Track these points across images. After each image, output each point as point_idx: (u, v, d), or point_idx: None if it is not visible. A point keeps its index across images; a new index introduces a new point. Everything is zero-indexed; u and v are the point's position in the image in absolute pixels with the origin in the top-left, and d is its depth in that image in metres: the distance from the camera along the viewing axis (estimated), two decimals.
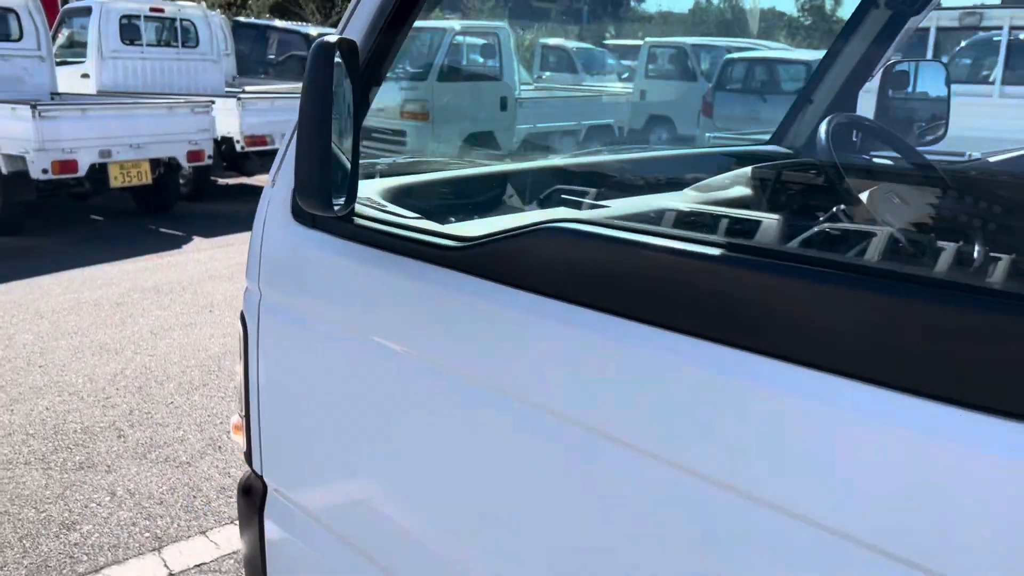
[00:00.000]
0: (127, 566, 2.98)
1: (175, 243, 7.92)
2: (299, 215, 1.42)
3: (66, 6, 11.96)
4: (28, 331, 5.32)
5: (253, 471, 1.66)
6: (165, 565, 2.99)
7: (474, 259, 1.14)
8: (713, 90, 12.86)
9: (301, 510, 1.57)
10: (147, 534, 3.17)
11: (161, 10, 11.09)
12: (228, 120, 9.24)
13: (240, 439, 1.69)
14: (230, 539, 3.13)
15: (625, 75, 17.12)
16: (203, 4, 11.88)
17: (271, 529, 1.62)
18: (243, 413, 1.65)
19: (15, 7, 8.78)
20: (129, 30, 10.67)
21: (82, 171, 7.67)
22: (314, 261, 1.42)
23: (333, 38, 1.15)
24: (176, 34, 11.16)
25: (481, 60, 12.31)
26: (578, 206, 1.45)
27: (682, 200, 1.73)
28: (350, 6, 1.33)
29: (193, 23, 11.17)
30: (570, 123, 12.05)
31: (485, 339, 1.14)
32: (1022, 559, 0.69)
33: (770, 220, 1.32)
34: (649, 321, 0.96)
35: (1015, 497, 0.69)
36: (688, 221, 1.40)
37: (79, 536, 3.14)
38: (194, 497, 3.44)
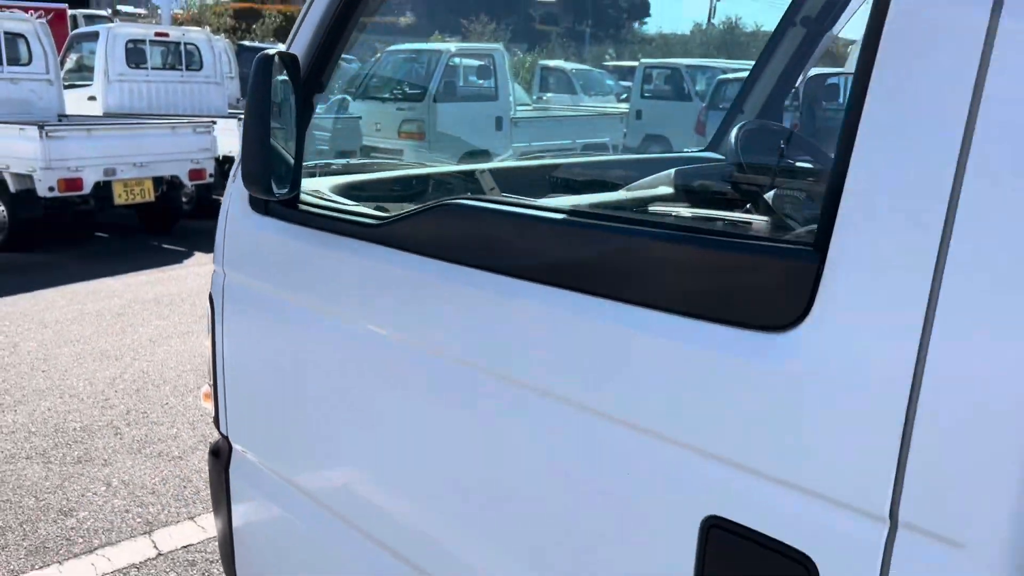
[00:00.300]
0: (119, 547, 3.19)
1: (176, 258, 8.18)
2: (255, 204, 1.65)
3: (74, 31, 12.34)
4: (32, 339, 5.57)
5: (221, 434, 1.89)
6: (155, 546, 3.21)
7: (389, 234, 1.37)
8: (707, 109, 13.12)
9: (260, 464, 1.79)
10: (139, 520, 3.39)
11: (166, 35, 11.45)
12: (229, 140, 9.53)
13: (210, 406, 1.92)
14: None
15: (623, 95, 17.42)
16: (207, 29, 12.24)
17: (235, 482, 1.84)
18: (211, 383, 1.88)
19: (25, 32, 9.11)
20: (135, 54, 11.01)
21: (87, 189, 7.95)
22: (266, 243, 1.65)
23: (272, 51, 1.39)
24: (181, 58, 11.50)
25: (478, 81, 12.61)
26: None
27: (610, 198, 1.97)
28: (295, 26, 1.58)
29: (197, 47, 11.51)
30: (564, 142, 12.32)
31: (399, 300, 1.37)
32: (763, 428, 0.91)
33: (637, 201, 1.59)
34: (521, 277, 1.19)
35: (738, 379, 0.92)
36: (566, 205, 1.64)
37: (75, 521, 3.36)
38: (184, 487, 3.66)
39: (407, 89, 12.15)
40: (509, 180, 1.88)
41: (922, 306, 0.78)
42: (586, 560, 1.12)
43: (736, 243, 0.98)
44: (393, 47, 12.95)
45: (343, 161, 1.98)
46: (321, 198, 1.60)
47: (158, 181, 8.59)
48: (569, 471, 1.13)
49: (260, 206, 1.64)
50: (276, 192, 1.44)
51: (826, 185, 0.88)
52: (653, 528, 1.03)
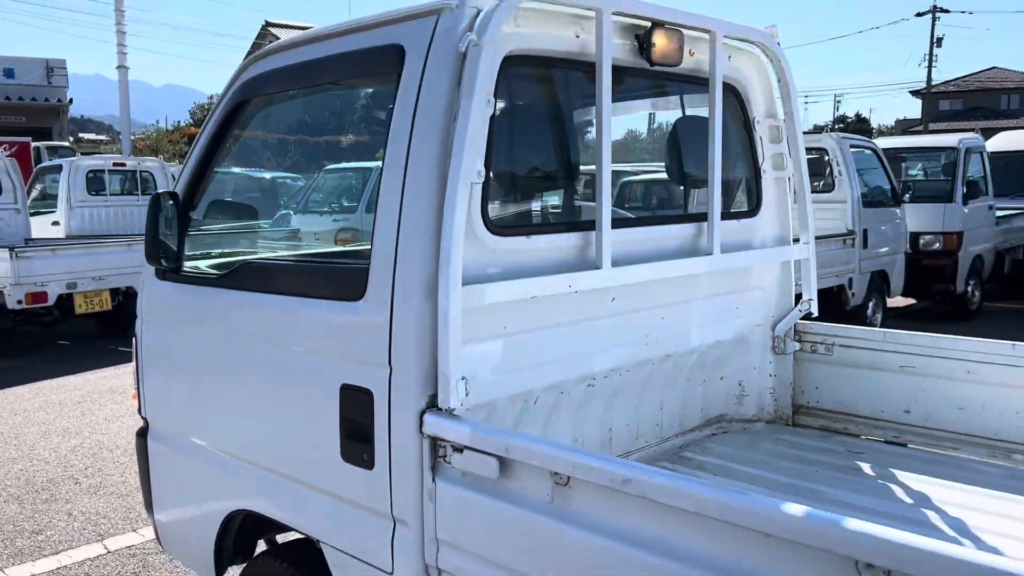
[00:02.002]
0: (78, 550, 4.27)
1: (131, 358, 9.26)
2: (158, 274, 2.90)
3: (39, 166, 13.67)
4: (4, 424, 6.62)
5: (142, 417, 3.08)
6: (106, 548, 4.29)
7: (218, 280, 2.64)
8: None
9: (162, 428, 2.98)
10: (93, 533, 4.47)
11: (123, 164, 12.83)
12: None
13: (135, 403, 3.12)
14: None
15: None
16: (161, 158, 13.62)
17: (150, 443, 3.03)
18: (135, 387, 3.08)
19: None
20: (95, 182, 12.33)
21: (51, 300, 9.08)
22: (162, 296, 2.89)
23: (161, 192, 2.67)
24: (137, 184, 12.83)
25: None
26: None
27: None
28: (179, 175, 2.87)
29: (152, 174, 12.87)
30: None
31: (220, 318, 2.62)
32: (350, 341, 2.15)
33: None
34: (267, 292, 2.44)
35: (340, 321, 2.17)
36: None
37: (43, 537, 4.43)
38: (129, 512, 4.75)
39: (344, 202, 13.58)
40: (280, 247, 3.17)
41: (390, 290, 2.06)
42: (289, 422, 2.34)
43: (342, 264, 2.25)
44: (331, 166, 14.46)
45: (217, 251, 3.21)
46: (194, 268, 2.86)
47: (115, 292, 9.75)
48: (279, 377, 2.36)
49: (160, 275, 2.88)
50: (165, 266, 2.71)
51: (371, 233, 2.16)
52: (318, 395, 2.25)
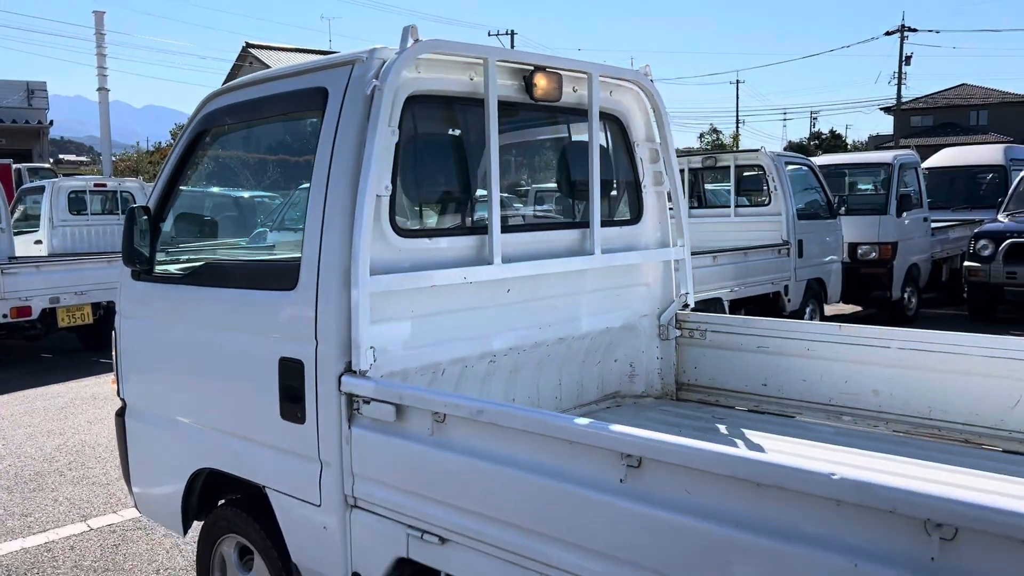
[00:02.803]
0: (64, 528, 4.78)
1: (111, 368, 9.74)
2: (134, 276, 3.44)
3: (22, 187, 14.14)
4: None
5: (120, 398, 3.62)
6: (88, 526, 4.80)
7: (183, 279, 3.20)
8: None
9: (138, 406, 3.53)
10: (78, 515, 4.98)
11: (104, 185, 13.33)
12: None
13: (114, 387, 3.66)
14: (133, 513, 4.95)
15: None
16: (140, 178, 14.12)
17: (128, 421, 3.57)
18: (114, 372, 3.62)
19: None
20: (76, 203, 12.83)
21: (35, 315, 9.57)
22: (138, 293, 3.44)
23: (136, 206, 3.23)
24: (117, 203, 13.34)
25: None
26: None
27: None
28: (151, 191, 3.42)
29: (132, 194, 13.38)
30: None
31: (185, 310, 3.18)
32: (286, 318, 2.72)
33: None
34: (221, 287, 3.00)
35: (277, 304, 2.74)
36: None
37: (32, 519, 4.94)
38: (111, 498, 5.26)
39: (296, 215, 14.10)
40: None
41: (315, 281, 2.63)
42: (240, 391, 2.90)
43: (280, 262, 2.82)
44: (305, 184, 15.02)
45: (186, 256, 3.75)
46: (164, 271, 3.41)
47: (96, 306, 10.24)
48: (231, 354, 2.92)
49: (135, 276, 3.43)
50: (139, 268, 3.27)
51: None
52: (262, 367, 2.81)
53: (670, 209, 3.74)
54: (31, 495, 5.36)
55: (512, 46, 49.73)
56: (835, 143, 64.31)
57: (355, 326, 2.55)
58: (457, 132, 3.13)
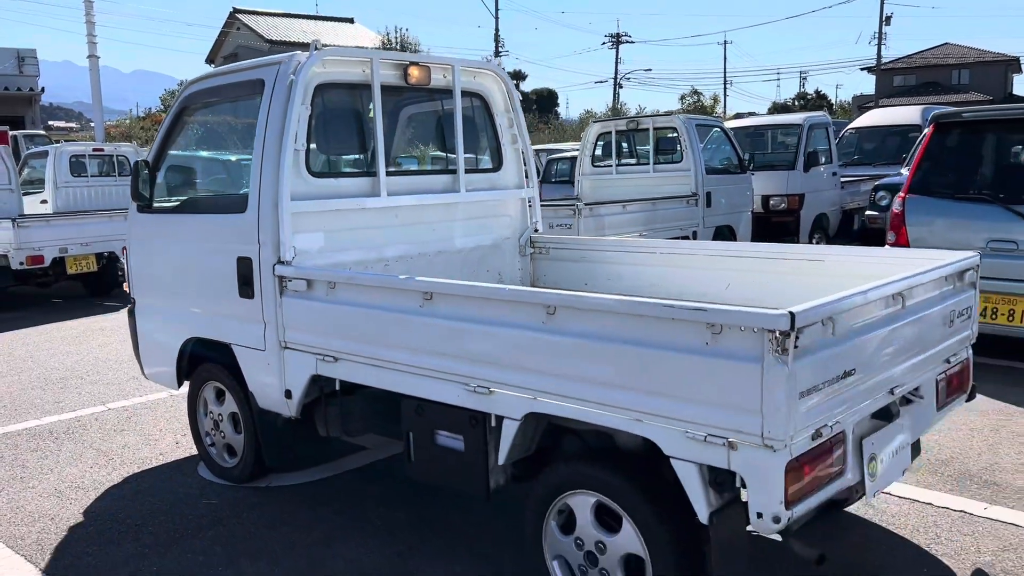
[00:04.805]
0: (87, 409, 6.30)
1: (115, 309, 11.24)
2: (139, 209, 4.89)
3: (27, 152, 15.49)
4: (17, 351, 8.60)
5: (131, 298, 5.10)
6: (107, 408, 6.32)
7: (173, 209, 4.66)
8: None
9: (142, 301, 5.02)
10: (98, 401, 6.50)
11: (101, 150, 14.71)
12: None
13: (127, 289, 5.15)
14: (142, 399, 6.46)
15: None
16: (135, 143, 15.46)
17: (137, 314, 5.06)
18: (126, 279, 5.10)
19: None
20: (77, 166, 14.20)
21: (47, 263, 11.03)
22: (141, 221, 4.90)
23: (140, 159, 4.67)
24: (114, 166, 14.71)
25: None
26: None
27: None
28: (151, 149, 4.85)
29: (127, 157, 14.74)
30: None
31: (174, 231, 4.65)
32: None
33: None
34: (202, 213, 4.46)
35: (237, 224, 4.21)
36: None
37: (62, 404, 6.45)
38: (123, 390, 6.78)
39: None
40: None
41: (257, 206, 4.10)
42: (212, 282, 4.37)
43: (237, 195, 4.28)
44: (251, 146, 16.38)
45: (175, 196, 5.19)
46: (160, 205, 4.85)
47: (99, 256, 11.70)
48: (205, 258, 4.39)
49: (140, 209, 4.89)
50: (142, 203, 4.73)
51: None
52: (226, 264, 4.27)
53: (524, 165, 5.21)
54: (59, 392, 6.87)
55: (496, 11, 50.61)
56: (820, 103, 65.26)
57: (282, 233, 4.02)
58: (355, 107, 4.58)
